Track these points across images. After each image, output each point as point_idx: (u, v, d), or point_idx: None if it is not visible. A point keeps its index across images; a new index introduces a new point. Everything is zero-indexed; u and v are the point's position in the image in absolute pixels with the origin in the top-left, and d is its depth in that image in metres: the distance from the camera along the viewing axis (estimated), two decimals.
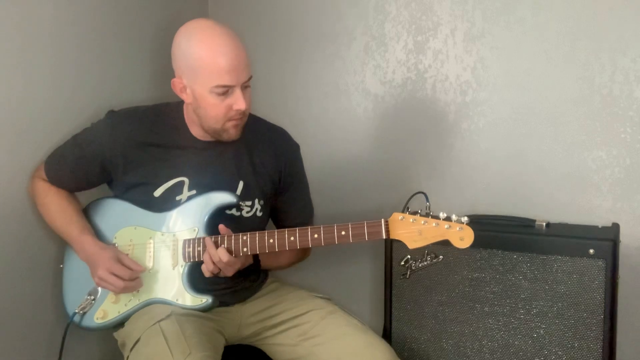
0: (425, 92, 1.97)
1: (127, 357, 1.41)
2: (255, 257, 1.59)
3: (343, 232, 1.41)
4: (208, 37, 1.40)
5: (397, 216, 1.38)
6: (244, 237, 1.45)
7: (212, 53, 1.39)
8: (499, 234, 1.64)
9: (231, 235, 1.46)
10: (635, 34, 1.69)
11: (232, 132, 1.51)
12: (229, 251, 1.44)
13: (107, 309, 1.52)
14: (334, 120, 2.12)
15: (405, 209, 1.40)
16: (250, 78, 1.46)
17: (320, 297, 1.64)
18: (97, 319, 1.52)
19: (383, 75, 2.03)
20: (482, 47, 1.88)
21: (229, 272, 1.47)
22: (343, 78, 2.09)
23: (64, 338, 1.50)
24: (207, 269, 1.45)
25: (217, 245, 1.45)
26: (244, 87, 1.45)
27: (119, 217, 1.56)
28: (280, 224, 1.72)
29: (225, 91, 1.42)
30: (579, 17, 1.75)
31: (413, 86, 1.99)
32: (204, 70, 1.40)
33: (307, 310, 1.58)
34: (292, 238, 1.44)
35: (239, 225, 1.51)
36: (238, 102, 1.43)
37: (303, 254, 1.75)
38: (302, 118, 2.15)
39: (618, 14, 1.70)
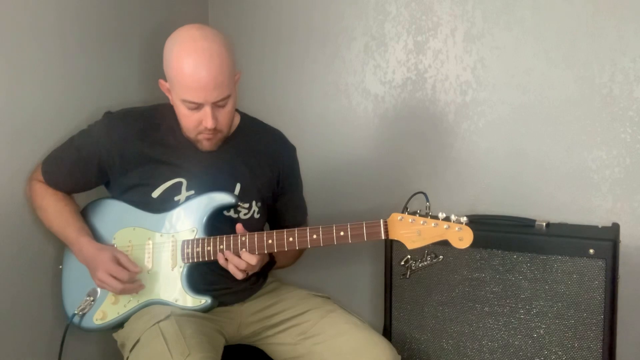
0: (425, 92, 1.97)
1: (127, 358, 1.40)
2: (271, 254, 1.60)
3: (342, 233, 1.41)
4: (185, 49, 1.39)
5: (396, 216, 1.38)
6: (243, 238, 1.45)
7: (184, 67, 1.38)
8: (499, 234, 1.64)
9: (230, 236, 1.46)
10: (635, 34, 1.69)
11: (205, 144, 1.51)
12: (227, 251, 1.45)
13: (106, 310, 1.52)
14: (333, 120, 2.12)
15: (404, 209, 1.39)
16: (226, 97, 1.43)
17: (320, 296, 1.64)
18: (96, 320, 1.52)
19: (383, 75, 2.03)
20: (482, 47, 1.87)
21: (257, 269, 1.51)
22: (343, 78, 2.09)
23: (63, 339, 1.50)
24: (237, 272, 1.46)
25: (215, 249, 1.45)
26: (217, 105, 1.44)
27: (118, 217, 1.56)
28: (275, 226, 1.72)
29: (195, 107, 1.43)
30: (579, 17, 1.74)
31: (413, 86, 1.99)
32: (177, 81, 1.42)
33: (307, 309, 1.58)
34: (290, 239, 1.44)
35: None
36: (206, 119, 1.43)
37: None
38: (302, 118, 2.15)
39: (618, 14, 1.70)
